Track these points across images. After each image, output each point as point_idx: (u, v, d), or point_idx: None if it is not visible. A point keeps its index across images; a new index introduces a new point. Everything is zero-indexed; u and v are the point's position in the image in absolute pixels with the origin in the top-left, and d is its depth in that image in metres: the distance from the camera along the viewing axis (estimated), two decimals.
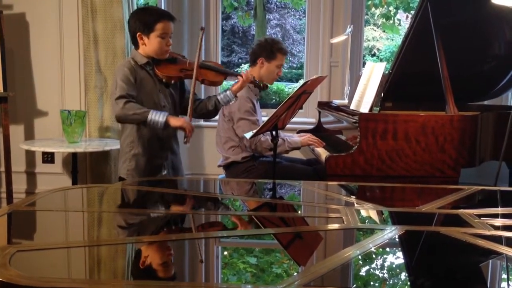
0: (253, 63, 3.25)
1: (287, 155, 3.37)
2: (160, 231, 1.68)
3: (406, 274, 1.36)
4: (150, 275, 1.27)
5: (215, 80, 2.74)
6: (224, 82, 2.97)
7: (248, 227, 1.71)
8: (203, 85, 3.08)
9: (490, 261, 1.42)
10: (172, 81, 2.71)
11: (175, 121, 2.52)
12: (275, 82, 3.60)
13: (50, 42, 3.89)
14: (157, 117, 2.47)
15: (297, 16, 12.60)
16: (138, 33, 2.61)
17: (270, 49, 3.19)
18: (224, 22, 11.49)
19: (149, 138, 2.64)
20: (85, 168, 3.88)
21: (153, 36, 2.59)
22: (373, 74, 2.96)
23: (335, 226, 1.60)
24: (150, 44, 2.61)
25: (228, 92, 2.75)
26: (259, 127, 2.61)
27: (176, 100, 2.76)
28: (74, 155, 3.66)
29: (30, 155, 3.98)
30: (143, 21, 2.60)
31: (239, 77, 2.75)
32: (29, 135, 3.97)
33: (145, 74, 2.63)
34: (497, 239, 1.45)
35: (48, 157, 3.99)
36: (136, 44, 2.66)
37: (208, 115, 2.88)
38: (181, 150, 2.88)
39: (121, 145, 2.73)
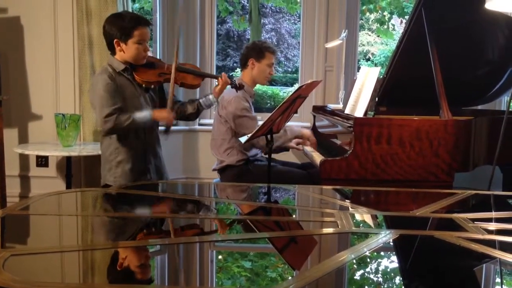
0: (244, 66, 3.30)
1: (282, 158, 3.38)
2: (153, 235, 1.68)
3: (400, 278, 1.37)
4: (143, 279, 1.26)
5: (193, 83, 2.77)
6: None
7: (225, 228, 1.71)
8: (181, 88, 3.13)
9: (484, 265, 1.43)
10: (152, 86, 2.72)
11: (159, 114, 2.63)
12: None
13: (45, 46, 3.88)
14: (142, 116, 2.58)
15: (292, 21, 12.63)
16: (115, 40, 2.60)
17: (259, 49, 3.26)
18: (219, 26, 11.50)
19: (133, 143, 2.65)
20: (79, 172, 3.86)
21: (131, 42, 2.60)
22: (367, 78, 2.97)
23: (329, 230, 1.60)
24: (128, 51, 2.61)
25: (210, 96, 2.79)
26: (254, 131, 2.61)
27: (156, 103, 2.79)
28: (68, 158, 3.64)
29: (24, 158, 3.96)
30: (120, 27, 2.59)
31: (218, 79, 2.79)
32: (23, 139, 3.95)
33: (124, 80, 2.64)
34: (491, 243, 1.46)
35: (42, 161, 3.97)
36: (112, 51, 2.65)
37: (189, 117, 2.93)
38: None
39: (104, 153, 2.72)
